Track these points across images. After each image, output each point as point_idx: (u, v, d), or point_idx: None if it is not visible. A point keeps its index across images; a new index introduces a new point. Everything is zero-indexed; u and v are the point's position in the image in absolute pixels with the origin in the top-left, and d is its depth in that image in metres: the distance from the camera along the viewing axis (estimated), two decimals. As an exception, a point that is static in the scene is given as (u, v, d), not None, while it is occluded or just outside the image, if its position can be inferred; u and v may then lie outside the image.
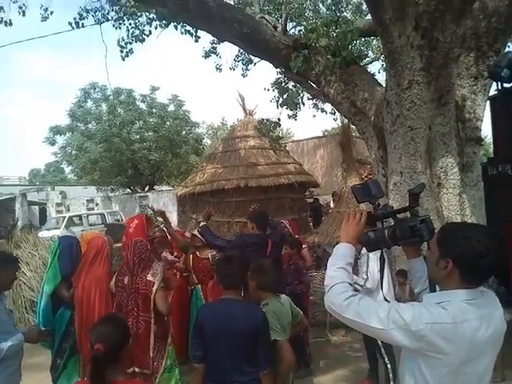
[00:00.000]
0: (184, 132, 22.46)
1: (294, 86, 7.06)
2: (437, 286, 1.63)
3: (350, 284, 1.56)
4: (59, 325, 3.38)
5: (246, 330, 2.26)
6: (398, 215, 1.80)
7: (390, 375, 3.98)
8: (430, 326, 1.41)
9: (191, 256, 4.62)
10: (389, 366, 3.98)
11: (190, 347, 2.50)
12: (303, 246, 5.11)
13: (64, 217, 17.37)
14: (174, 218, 14.40)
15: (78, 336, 3.25)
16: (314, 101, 9.18)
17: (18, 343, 2.63)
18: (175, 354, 3.26)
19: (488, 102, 5.05)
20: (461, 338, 1.42)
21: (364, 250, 4.08)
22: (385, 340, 1.54)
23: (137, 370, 3.06)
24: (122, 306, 3.18)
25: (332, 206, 12.49)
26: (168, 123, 21.76)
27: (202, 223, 4.07)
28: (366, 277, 3.99)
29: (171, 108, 22.31)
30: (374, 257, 3.89)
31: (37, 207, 25.38)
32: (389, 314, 1.45)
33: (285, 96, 7.11)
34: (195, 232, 4.46)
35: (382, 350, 3.98)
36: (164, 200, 19.83)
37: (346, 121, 9.06)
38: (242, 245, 3.91)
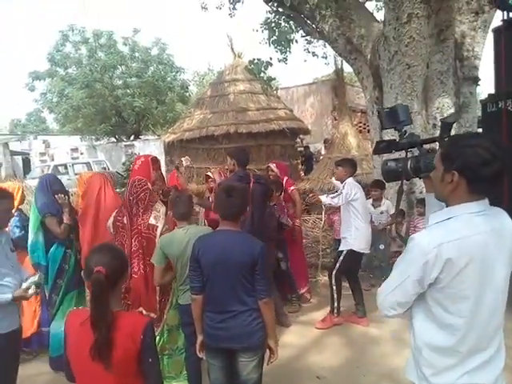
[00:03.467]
0: (169, 78, 21.64)
1: (287, 22, 6.69)
2: None
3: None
4: (53, 262, 3.38)
5: (243, 261, 2.21)
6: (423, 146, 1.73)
7: (335, 302, 4.14)
8: (438, 249, 1.37)
9: None
10: (335, 295, 4.11)
11: (188, 279, 2.45)
12: (291, 188, 4.88)
13: (49, 166, 17.03)
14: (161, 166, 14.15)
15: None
16: (306, 42, 8.82)
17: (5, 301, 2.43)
18: None
19: (491, 34, 4.83)
20: (472, 252, 1.38)
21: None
22: (411, 295, 1.48)
23: (144, 312, 3.05)
24: (125, 246, 3.10)
25: (323, 152, 12.43)
26: (152, 68, 20.92)
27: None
28: (340, 193, 4.03)
29: (154, 52, 21.34)
30: (352, 183, 4.08)
31: (20, 157, 24.72)
32: (398, 270, 1.50)
33: (276, 35, 6.77)
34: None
35: (333, 279, 4.10)
36: (151, 149, 19.41)
37: (340, 64, 8.77)
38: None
